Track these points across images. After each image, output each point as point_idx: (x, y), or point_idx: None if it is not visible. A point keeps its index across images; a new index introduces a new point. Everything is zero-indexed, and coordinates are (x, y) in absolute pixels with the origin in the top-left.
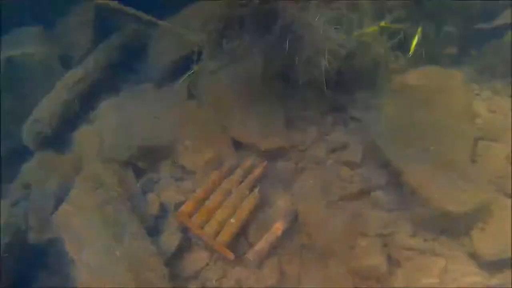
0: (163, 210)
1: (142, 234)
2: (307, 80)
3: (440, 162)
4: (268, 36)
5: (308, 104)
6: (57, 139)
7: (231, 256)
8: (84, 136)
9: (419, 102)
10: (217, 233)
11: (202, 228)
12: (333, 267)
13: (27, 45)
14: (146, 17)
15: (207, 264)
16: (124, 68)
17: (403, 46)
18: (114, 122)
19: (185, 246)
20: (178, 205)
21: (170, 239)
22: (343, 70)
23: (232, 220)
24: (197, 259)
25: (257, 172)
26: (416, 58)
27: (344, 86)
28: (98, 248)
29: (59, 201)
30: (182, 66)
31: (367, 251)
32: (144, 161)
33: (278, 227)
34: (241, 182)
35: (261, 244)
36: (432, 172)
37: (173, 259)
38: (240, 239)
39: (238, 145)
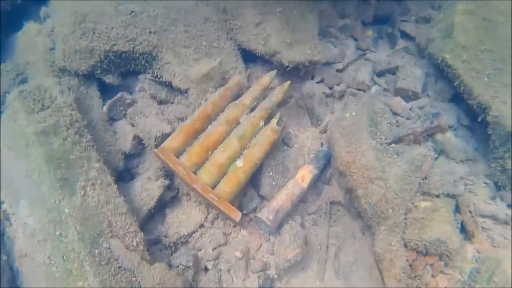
0: (139, 145)
1: (107, 180)
2: None
3: None
4: None
5: (345, 10)
6: None
7: (237, 215)
8: (29, 37)
9: (502, 14)
10: (216, 181)
11: (194, 173)
12: (382, 239)
13: None
14: None
15: (201, 226)
16: None
17: None
18: (71, 18)
19: (169, 198)
20: (162, 138)
21: (148, 188)
22: None
23: (239, 163)
24: (186, 218)
25: (277, 94)
26: None
27: None
28: (36, 201)
29: None
30: None
31: (431, 218)
32: (114, 74)
33: (305, 176)
34: (253, 108)
35: (280, 199)
36: None
37: (152, 218)
38: (249, 191)
39: (249, 57)
